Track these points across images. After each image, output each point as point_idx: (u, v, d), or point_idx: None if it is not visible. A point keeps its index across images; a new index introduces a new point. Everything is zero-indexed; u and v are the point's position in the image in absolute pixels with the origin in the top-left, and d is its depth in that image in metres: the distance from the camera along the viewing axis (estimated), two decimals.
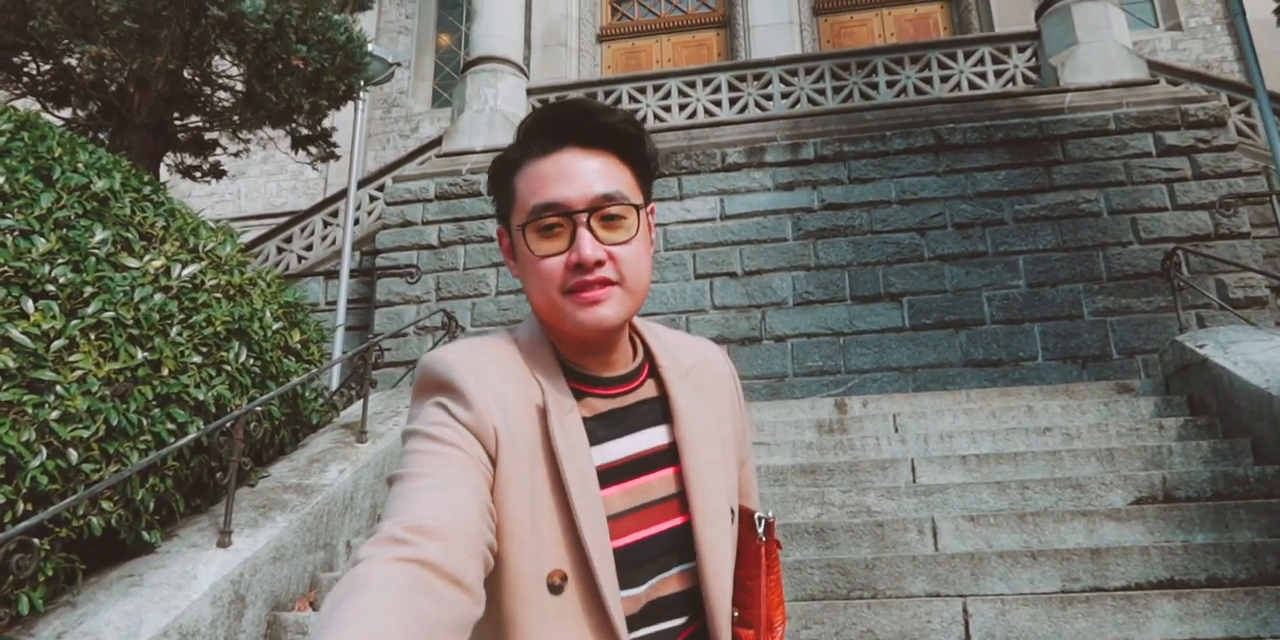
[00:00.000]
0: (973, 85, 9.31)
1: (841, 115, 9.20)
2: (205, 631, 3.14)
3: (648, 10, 13.21)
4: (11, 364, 2.87)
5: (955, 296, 8.04)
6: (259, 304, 4.25)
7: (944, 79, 9.38)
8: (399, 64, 9.49)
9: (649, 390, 1.02)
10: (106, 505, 3.10)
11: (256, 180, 14.87)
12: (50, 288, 3.18)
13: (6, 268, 3.07)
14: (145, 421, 3.29)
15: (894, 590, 3.58)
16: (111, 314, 3.29)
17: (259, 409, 3.98)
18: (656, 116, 9.85)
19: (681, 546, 0.96)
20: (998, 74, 9.34)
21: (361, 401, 5.00)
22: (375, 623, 0.67)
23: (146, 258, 3.70)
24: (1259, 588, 3.22)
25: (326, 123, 7.27)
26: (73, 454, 2.96)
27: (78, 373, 3.08)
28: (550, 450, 0.91)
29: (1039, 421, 5.44)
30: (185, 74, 6.29)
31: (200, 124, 6.86)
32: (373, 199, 10.63)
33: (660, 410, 1.01)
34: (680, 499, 0.97)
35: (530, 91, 10.43)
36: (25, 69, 6.36)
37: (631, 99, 9.99)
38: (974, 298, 8.00)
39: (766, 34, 11.80)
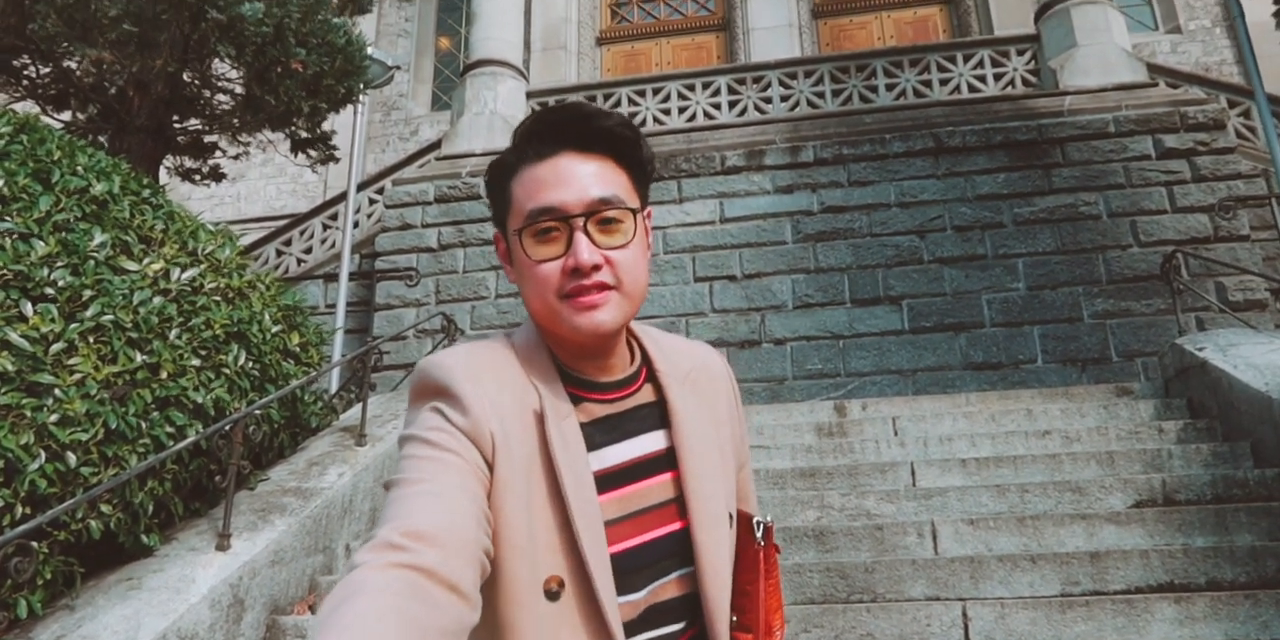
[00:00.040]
0: (972, 88, 9.30)
1: (841, 118, 9.19)
2: (204, 635, 3.14)
3: (647, 13, 13.21)
4: (10, 367, 2.87)
5: (955, 299, 8.03)
6: (258, 307, 4.24)
7: (943, 82, 9.38)
8: (398, 67, 9.51)
9: (647, 395, 1.02)
10: (105, 509, 3.10)
11: (256, 183, 14.87)
12: (49, 291, 3.18)
13: (5, 271, 3.07)
14: (144, 425, 3.29)
15: (893, 594, 3.58)
16: (110, 317, 3.29)
17: (258, 412, 3.97)
18: (656, 119, 9.85)
19: (680, 551, 0.96)
20: (997, 77, 9.34)
21: (361, 404, 5.00)
22: (371, 628, 0.67)
23: (146, 261, 3.70)
24: (1259, 591, 3.21)
25: (326, 126, 7.27)
26: (71, 457, 2.96)
27: (77, 376, 3.08)
28: (547, 456, 0.90)
29: (1038, 425, 5.44)
30: (185, 77, 6.29)
31: (200, 127, 6.86)
32: (372, 202, 10.63)
33: (658, 415, 1.01)
34: (678, 504, 0.97)
35: (530, 94, 10.44)
36: (25, 72, 6.36)
37: (631, 102, 9.99)
38: (973, 300, 8.00)
39: (766, 37, 11.79)
